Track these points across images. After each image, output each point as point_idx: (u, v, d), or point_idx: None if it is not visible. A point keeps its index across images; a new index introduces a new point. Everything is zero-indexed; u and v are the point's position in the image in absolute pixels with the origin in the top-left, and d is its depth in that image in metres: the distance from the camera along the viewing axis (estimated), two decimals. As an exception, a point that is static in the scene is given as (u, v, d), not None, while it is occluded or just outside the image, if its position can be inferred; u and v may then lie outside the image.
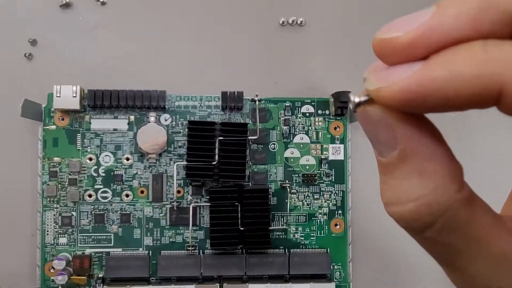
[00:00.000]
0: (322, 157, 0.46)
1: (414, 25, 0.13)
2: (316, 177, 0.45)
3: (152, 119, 0.43)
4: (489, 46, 0.12)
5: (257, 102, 0.44)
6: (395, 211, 0.14)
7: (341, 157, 0.46)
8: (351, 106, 0.14)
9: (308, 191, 0.45)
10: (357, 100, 0.14)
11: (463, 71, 0.12)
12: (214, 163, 0.42)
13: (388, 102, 0.13)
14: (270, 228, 0.43)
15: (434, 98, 0.12)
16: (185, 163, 0.42)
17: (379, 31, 0.13)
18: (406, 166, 0.14)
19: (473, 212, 0.14)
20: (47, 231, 0.43)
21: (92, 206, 0.43)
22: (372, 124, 0.14)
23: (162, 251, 0.43)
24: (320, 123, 0.45)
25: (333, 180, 0.46)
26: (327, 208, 0.45)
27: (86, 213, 0.43)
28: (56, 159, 0.43)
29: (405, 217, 0.14)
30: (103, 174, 0.44)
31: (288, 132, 0.45)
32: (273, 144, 0.45)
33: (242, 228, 0.42)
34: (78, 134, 0.44)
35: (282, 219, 0.45)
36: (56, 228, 0.43)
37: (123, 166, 0.44)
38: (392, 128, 0.14)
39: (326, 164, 0.46)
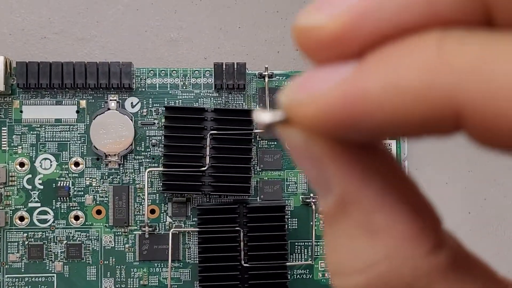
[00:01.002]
0: (365, 158, 0.39)
1: (344, 5, 0.11)
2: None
3: (112, 104, 0.40)
4: (447, 43, 0.10)
5: (267, 79, 0.41)
6: (338, 286, 0.12)
7: (392, 158, 0.39)
8: (259, 128, 0.14)
9: (344, 209, 0.39)
10: (267, 119, 0.12)
11: (407, 81, 0.10)
12: (204, 169, 0.39)
13: (306, 125, 0.12)
14: (287, 264, 0.40)
15: (369, 122, 0.11)
16: (161, 169, 0.39)
17: (300, 14, 0.12)
18: (348, 219, 0.12)
19: (459, 282, 0.12)
20: (-42, 271, 0.40)
21: (25, 234, 0.39)
22: (295, 155, 0.13)
23: (129, 300, 0.41)
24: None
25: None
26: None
27: (16, 244, 0.39)
28: (-29, 164, 0.40)
29: None
30: (41, 187, 0.40)
31: (314, 122, 0.39)
32: (292, 140, 0.39)
33: (246, 265, 0.39)
34: (3, 128, 0.40)
35: (305, 250, 0.42)
36: (-28, 267, 0.40)
37: (70, 175, 0.40)
38: (322, 164, 0.12)
39: (371, 169, 0.39)
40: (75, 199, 0.40)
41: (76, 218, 0.39)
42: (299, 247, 0.42)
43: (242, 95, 0.41)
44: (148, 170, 0.39)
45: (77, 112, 0.40)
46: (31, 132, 0.40)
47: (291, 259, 0.41)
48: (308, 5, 0.12)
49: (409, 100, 0.10)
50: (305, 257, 0.42)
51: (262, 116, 0.13)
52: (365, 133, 0.11)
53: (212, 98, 0.41)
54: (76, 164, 0.40)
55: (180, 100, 0.40)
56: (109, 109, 0.40)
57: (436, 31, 0.11)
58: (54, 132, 0.40)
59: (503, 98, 0.10)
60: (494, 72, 0.10)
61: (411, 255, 0.12)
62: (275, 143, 0.42)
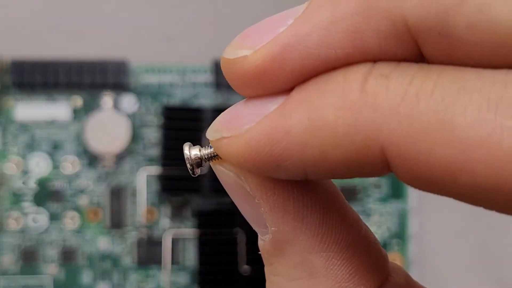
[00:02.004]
0: (369, 158, 0.38)
1: (267, 38, 0.11)
2: (358, 190, 0.41)
3: (107, 103, 0.39)
4: (371, 79, 0.10)
5: (268, 76, 0.37)
6: None
7: (398, 158, 0.38)
8: (188, 164, 0.12)
9: (348, 211, 0.39)
10: (195, 153, 0.12)
11: (328, 121, 0.10)
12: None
13: (234, 162, 0.11)
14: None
15: (294, 162, 0.10)
16: (159, 170, 0.39)
17: (227, 46, 0.11)
18: (286, 259, 0.12)
19: None
20: (-50, 275, 0.39)
21: (19, 237, 0.39)
22: (228, 191, 0.12)
23: (125, 304, 0.40)
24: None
25: (387, 193, 0.41)
26: (377, 237, 0.36)
27: (9, 246, 0.39)
28: (-38, 165, 0.39)
29: None
30: (35, 188, 0.39)
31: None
32: (294, 139, 0.38)
33: (246, 266, 0.39)
34: (-4, 127, 0.40)
35: (307, 253, 0.38)
36: (-37, 271, 0.39)
37: (65, 175, 0.39)
38: (254, 202, 0.12)
39: (376, 170, 0.38)
40: (70, 200, 0.39)
41: (71, 220, 0.39)
42: (300, 249, 0.41)
43: (242, 93, 0.40)
44: (145, 171, 0.39)
45: (72, 111, 0.39)
46: (25, 131, 0.39)
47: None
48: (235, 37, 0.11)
49: (331, 140, 0.10)
50: (307, 259, 0.40)
51: (191, 151, 0.12)
52: (294, 172, 0.11)
53: (211, 96, 0.40)
54: (71, 164, 0.39)
55: (179, 98, 0.40)
56: (104, 108, 0.39)
57: (363, 65, 0.10)
58: (48, 132, 0.39)
59: (423, 140, 0.09)
60: (415, 111, 0.09)
61: None
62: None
